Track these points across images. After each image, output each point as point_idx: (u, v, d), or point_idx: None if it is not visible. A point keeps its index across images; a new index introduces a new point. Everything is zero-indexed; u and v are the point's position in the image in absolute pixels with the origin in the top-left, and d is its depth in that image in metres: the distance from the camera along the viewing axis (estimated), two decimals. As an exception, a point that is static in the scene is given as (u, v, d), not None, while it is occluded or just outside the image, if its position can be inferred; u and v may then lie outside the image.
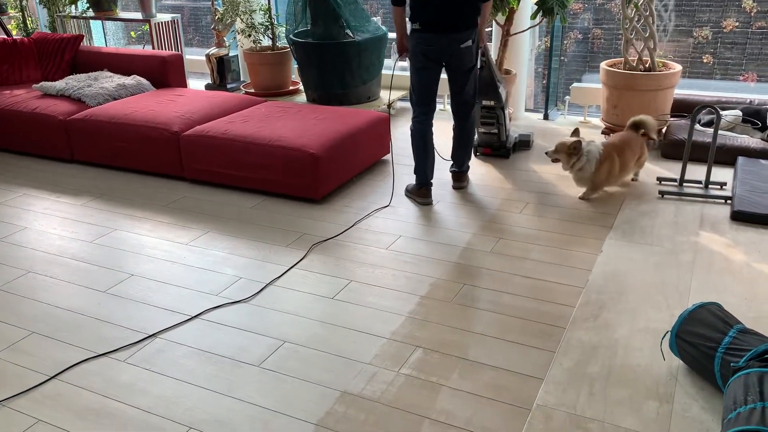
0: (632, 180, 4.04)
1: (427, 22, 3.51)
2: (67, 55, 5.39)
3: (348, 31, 5.32)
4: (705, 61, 5.66)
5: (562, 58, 5.86)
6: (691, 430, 2.05)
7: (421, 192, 3.82)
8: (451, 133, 3.96)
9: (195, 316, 2.75)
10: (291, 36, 5.40)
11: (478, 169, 4.32)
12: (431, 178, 3.83)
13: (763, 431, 1.70)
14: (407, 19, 3.61)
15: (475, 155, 4.52)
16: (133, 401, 2.26)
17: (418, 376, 2.34)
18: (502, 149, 4.44)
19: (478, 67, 4.20)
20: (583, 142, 3.73)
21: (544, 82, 5.62)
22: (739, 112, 4.52)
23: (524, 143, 4.63)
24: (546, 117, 5.44)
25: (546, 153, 3.85)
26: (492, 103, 4.28)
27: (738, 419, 1.78)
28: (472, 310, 2.75)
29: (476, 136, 4.37)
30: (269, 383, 2.33)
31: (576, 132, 3.82)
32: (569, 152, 3.71)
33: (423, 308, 2.76)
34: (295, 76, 6.08)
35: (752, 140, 4.31)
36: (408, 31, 3.63)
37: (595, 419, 2.11)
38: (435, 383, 2.31)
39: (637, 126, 3.92)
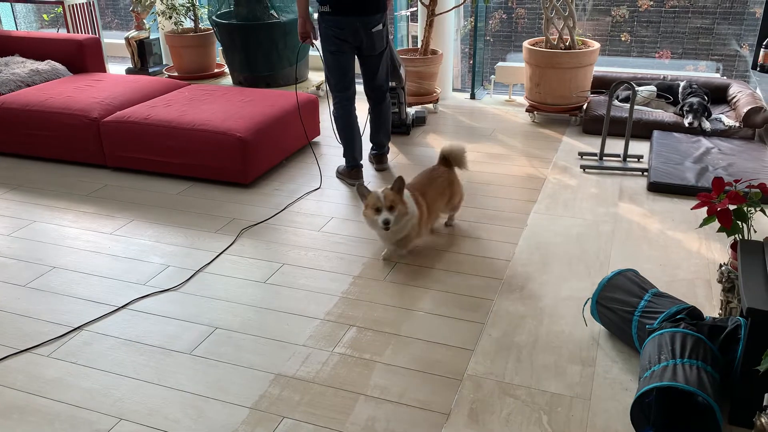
0: (446, 225, 3.31)
1: (336, 4, 3.44)
2: (-27, 39, 5.09)
3: (272, 11, 5.23)
4: (623, 39, 5.87)
5: (488, 37, 5.95)
6: (611, 390, 2.17)
7: (352, 173, 3.83)
8: (367, 116, 3.94)
9: (122, 307, 2.68)
10: (214, 17, 5.28)
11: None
12: (360, 160, 3.84)
13: (674, 386, 1.82)
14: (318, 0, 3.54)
15: None
16: (60, 396, 2.19)
17: (352, 354, 2.37)
18: (403, 126, 4.63)
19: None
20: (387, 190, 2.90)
21: (470, 62, 5.70)
22: (653, 88, 4.72)
23: (420, 120, 4.87)
24: (473, 96, 5.53)
25: (366, 215, 2.89)
26: (394, 84, 4.45)
27: (652, 377, 1.89)
28: (404, 287, 2.79)
29: None
30: (201, 370, 2.31)
31: (361, 188, 2.91)
32: (398, 203, 2.84)
33: (356, 288, 2.78)
34: (219, 58, 5.95)
35: (666, 114, 4.51)
36: (317, 15, 3.57)
37: (522, 385, 2.19)
38: (369, 360, 2.34)
39: (446, 159, 3.23)
